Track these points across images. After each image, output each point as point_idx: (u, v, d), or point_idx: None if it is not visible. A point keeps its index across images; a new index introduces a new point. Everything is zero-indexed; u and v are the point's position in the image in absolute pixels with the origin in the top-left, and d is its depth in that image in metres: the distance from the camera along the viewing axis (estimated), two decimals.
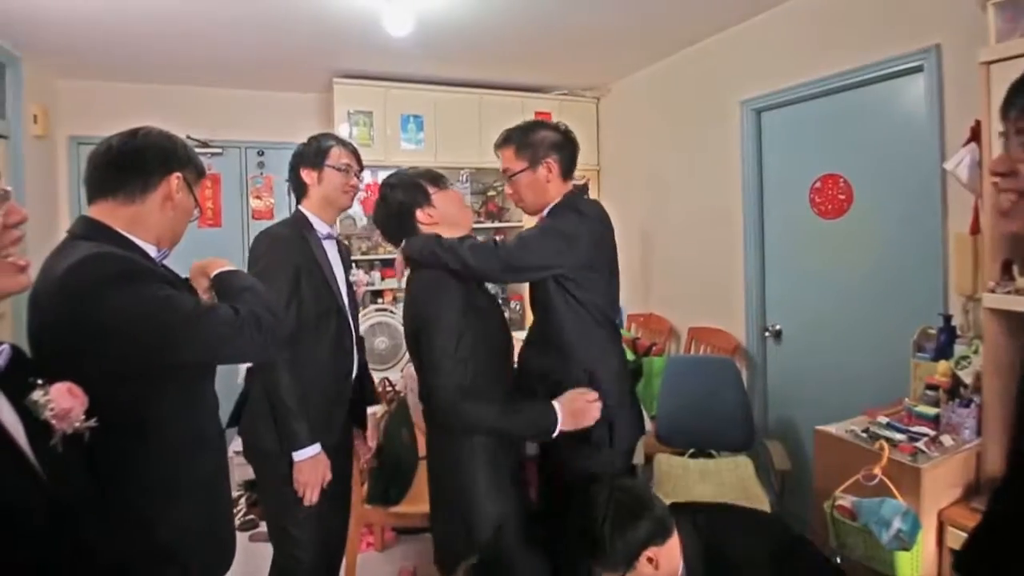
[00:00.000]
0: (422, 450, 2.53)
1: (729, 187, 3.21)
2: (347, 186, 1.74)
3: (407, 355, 3.67)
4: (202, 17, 2.88)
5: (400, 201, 1.47)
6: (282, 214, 4.26)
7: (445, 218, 1.48)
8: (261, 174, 4.33)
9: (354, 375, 1.80)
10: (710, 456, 2.43)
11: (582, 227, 1.50)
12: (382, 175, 4.14)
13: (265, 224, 4.19)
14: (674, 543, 1.26)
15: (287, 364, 1.55)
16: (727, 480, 2.24)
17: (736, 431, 2.44)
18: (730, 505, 1.31)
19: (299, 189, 1.75)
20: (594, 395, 1.43)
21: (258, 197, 4.34)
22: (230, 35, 3.14)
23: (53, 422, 0.78)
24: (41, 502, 0.69)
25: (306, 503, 1.58)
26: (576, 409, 1.41)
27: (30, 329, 1.04)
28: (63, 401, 0.80)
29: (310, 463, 1.57)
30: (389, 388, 2.69)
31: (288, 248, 1.63)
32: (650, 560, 1.22)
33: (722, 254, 3.27)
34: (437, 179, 1.51)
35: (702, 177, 3.45)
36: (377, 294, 4.14)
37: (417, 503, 2.22)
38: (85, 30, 3.00)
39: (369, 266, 4.14)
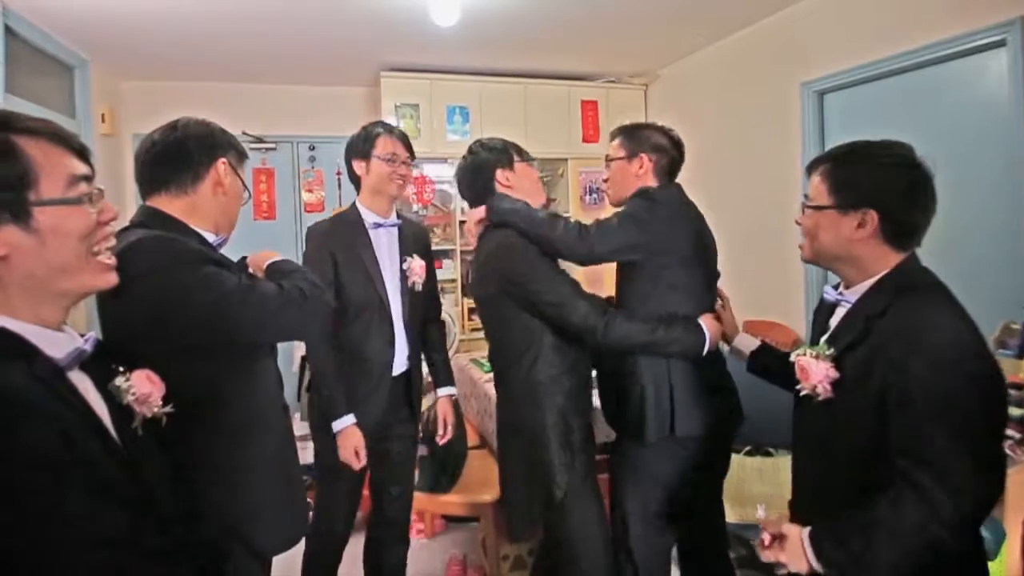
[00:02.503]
0: (471, 440, 2.55)
1: (788, 174, 3.07)
2: (394, 175, 1.74)
3: (456, 344, 3.72)
4: (255, 17, 2.96)
5: (485, 158, 1.59)
6: (332, 206, 4.36)
7: (520, 187, 1.58)
8: (312, 168, 4.43)
9: (396, 370, 1.80)
10: (768, 455, 2.34)
11: (652, 212, 1.51)
12: (428, 167, 4.18)
13: (316, 217, 4.37)
14: (891, 253, 1.07)
15: (327, 338, 1.67)
16: (785, 480, 2.15)
17: None
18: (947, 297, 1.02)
19: (355, 181, 1.79)
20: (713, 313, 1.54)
21: (309, 190, 4.44)
22: (282, 33, 3.21)
23: (135, 407, 0.81)
24: (127, 478, 0.72)
25: (355, 467, 1.70)
26: (714, 328, 1.50)
27: (100, 319, 1.08)
28: (143, 386, 0.83)
29: (344, 433, 1.68)
30: None
31: (324, 238, 1.72)
32: (860, 225, 1.05)
33: (780, 244, 3.13)
34: (522, 151, 1.64)
35: (758, 164, 3.32)
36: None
37: (466, 493, 2.23)
38: (147, 34, 3.13)
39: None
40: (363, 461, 1.71)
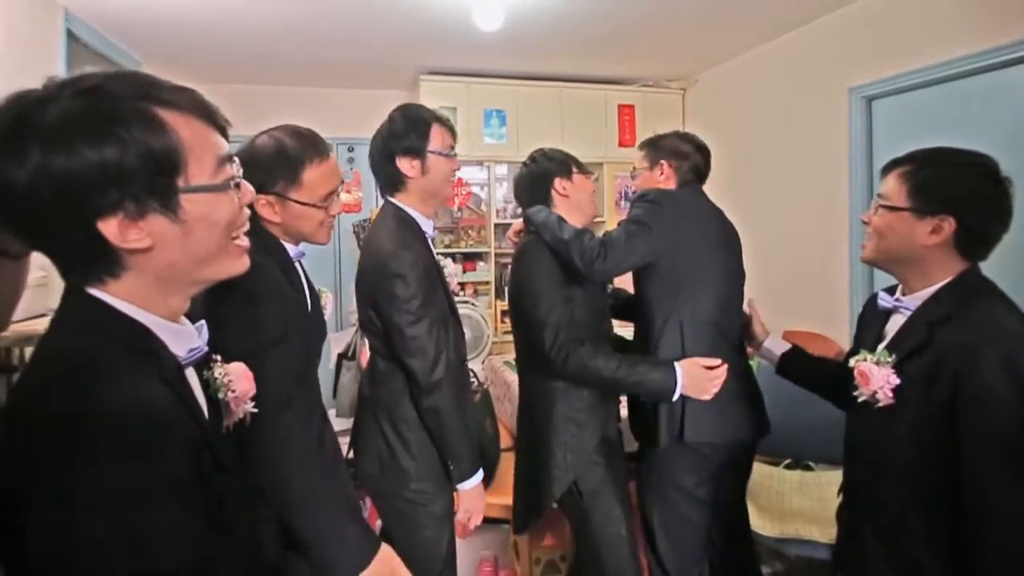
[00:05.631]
0: (504, 442, 2.56)
1: (833, 182, 3.00)
2: (452, 173, 1.46)
3: (489, 346, 3.74)
4: (300, 22, 3.04)
5: (547, 167, 1.63)
6: (370, 207, 4.42)
7: (575, 199, 1.63)
8: (351, 169, 4.52)
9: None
10: (808, 468, 2.29)
11: (656, 214, 1.51)
12: (464, 171, 4.20)
13: (354, 218, 4.43)
14: (957, 261, 1.07)
15: (452, 388, 1.37)
16: (828, 495, 2.10)
17: (839, 443, 2.27)
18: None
19: (396, 182, 1.44)
20: (715, 362, 1.43)
21: (348, 191, 4.53)
22: (327, 37, 3.29)
23: (231, 404, 0.76)
24: (225, 488, 0.68)
25: (471, 528, 1.48)
26: (695, 376, 1.41)
27: None
28: (242, 383, 0.77)
29: (475, 492, 1.43)
30: (473, 379, 2.72)
31: (421, 256, 1.37)
32: (934, 231, 1.04)
33: (824, 255, 3.07)
34: (580, 164, 1.68)
35: (802, 171, 3.25)
36: (459, 286, 4.22)
37: (499, 494, 2.23)
38: (195, 38, 3.26)
39: (451, 259, 4.21)
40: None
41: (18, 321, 2.21)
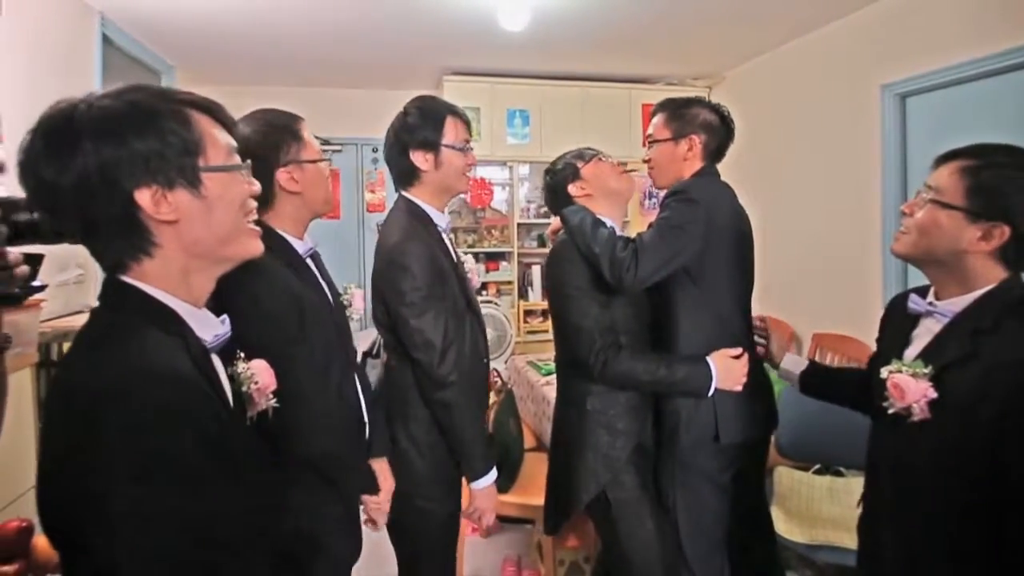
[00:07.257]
0: (528, 442, 2.56)
1: (865, 181, 2.93)
2: (467, 167, 1.45)
3: (512, 346, 3.74)
4: (328, 26, 3.07)
5: (554, 180, 1.59)
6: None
7: (598, 189, 1.55)
8: (375, 169, 4.56)
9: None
10: (838, 474, 2.24)
11: (693, 215, 1.43)
12: (488, 170, 4.21)
13: (379, 216, 4.48)
14: (998, 269, 1.00)
15: (463, 386, 1.37)
16: (857, 502, 2.05)
17: None
18: None
19: (409, 175, 1.42)
20: (738, 351, 1.43)
21: (372, 191, 4.59)
22: (354, 39, 3.32)
23: (254, 396, 0.81)
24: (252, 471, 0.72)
25: (482, 527, 1.52)
26: (727, 368, 1.40)
27: None
28: (264, 376, 0.82)
29: (488, 491, 1.42)
30: (497, 379, 2.73)
31: (432, 252, 1.37)
32: (984, 238, 0.97)
33: (855, 255, 3.00)
34: (582, 154, 1.58)
35: (833, 170, 3.18)
36: (482, 286, 4.22)
37: (522, 494, 2.22)
38: (224, 41, 3.32)
39: (474, 259, 4.22)
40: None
41: (56, 318, 2.30)
